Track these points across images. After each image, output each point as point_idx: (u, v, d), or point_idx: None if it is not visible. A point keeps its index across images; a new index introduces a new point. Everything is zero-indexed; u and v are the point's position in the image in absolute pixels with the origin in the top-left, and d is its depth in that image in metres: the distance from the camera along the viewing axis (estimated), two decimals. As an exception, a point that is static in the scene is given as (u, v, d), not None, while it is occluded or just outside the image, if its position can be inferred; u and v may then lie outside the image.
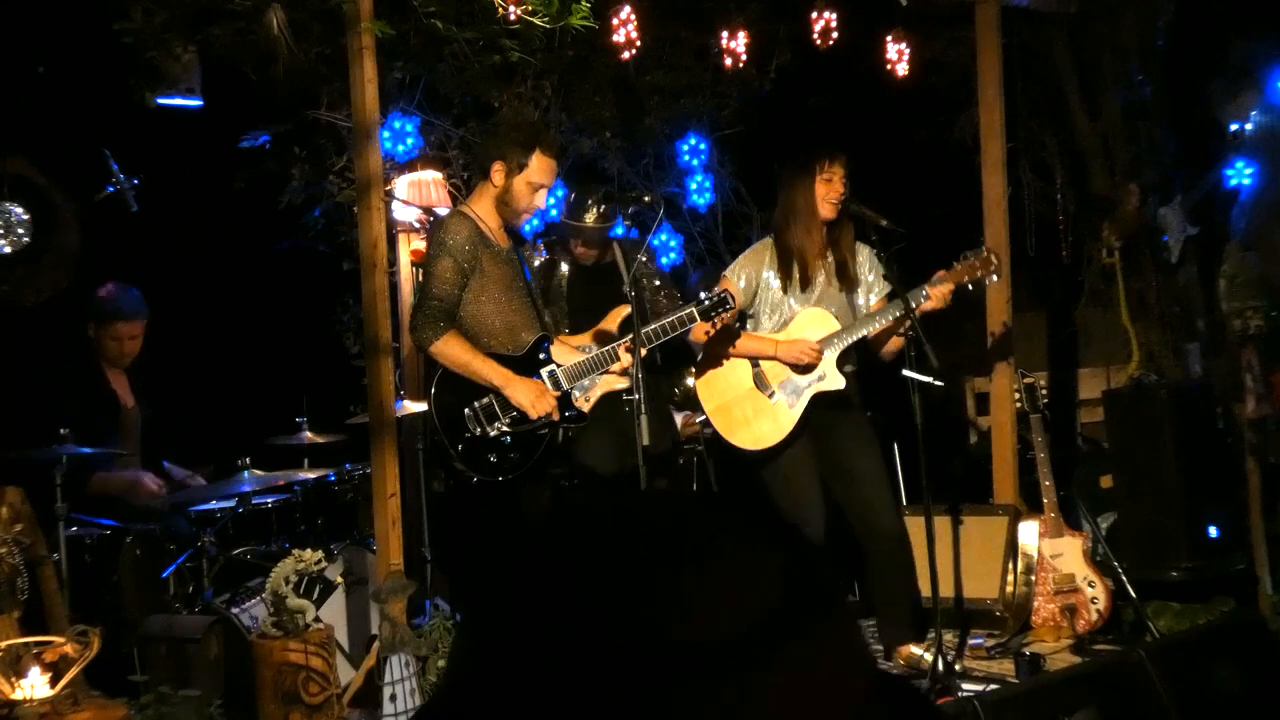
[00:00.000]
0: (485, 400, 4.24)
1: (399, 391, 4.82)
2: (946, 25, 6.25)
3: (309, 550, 4.07)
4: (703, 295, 4.43)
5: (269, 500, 5.16)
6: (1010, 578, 5.25)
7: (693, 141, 6.69)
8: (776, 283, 4.77)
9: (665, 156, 6.80)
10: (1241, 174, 6.25)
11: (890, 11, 5.63)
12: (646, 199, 4.69)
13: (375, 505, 4.41)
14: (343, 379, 5.84)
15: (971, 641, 5.09)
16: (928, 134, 6.68)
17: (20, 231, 5.19)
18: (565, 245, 5.28)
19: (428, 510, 5.12)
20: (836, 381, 4.68)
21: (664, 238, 6.47)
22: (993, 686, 4.34)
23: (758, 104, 6.72)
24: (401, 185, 5.48)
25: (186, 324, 5.89)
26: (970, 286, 4.75)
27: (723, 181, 6.97)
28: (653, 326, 4.35)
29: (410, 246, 5.52)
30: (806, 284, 4.76)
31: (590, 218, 5.10)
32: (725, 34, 5.85)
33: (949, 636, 4.81)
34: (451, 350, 4.22)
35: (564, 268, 5.25)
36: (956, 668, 4.52)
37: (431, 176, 5.58)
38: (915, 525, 4.72)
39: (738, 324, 4.84)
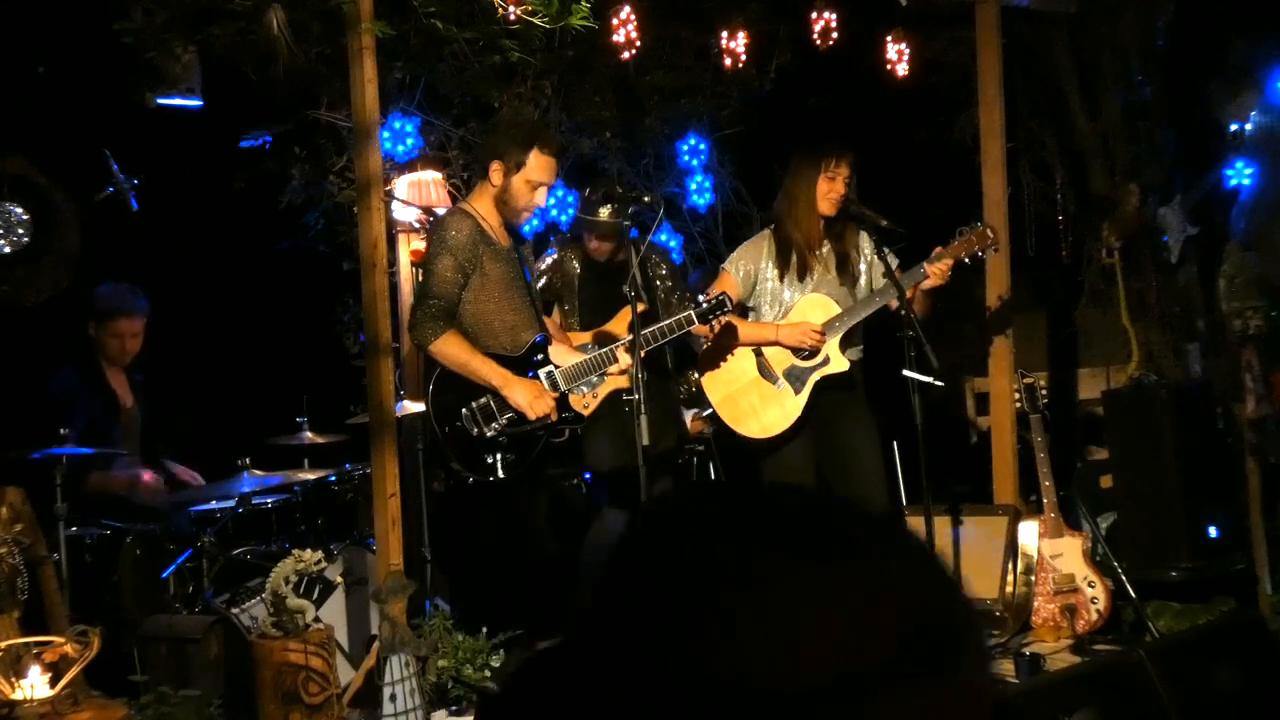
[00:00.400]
0: (483, 400, 4.24)
1: (399, 391, 4.82)
2: (946, 25, 6.25)
3: (309, 550, 4.07)
4: (700, 298, 4.43)
5: (269, 500, 5.16)
6: (1010, 578, 5.25)
7: (693, 141, 6.69)
8: (774, 273, 4.79)
9: (665, 156, 6.80)
10: (1241, 174, 6.25)
11: (890, 11, 5.63)
12: (646, 199, 4.69)
13: (375, 505, 4.41)
14: (343, 379, 5.84)
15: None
16: (928, 134, 6.67)
17: (20, 231, 5.19)
18: (579, 241, 5.28)
19: (428, 510, 5.12)
20: (840, 364, 4.69)
21: (664, 238, 6.46)
22: (993, 686, 4.33)
23: (758, 104, 6.72)
24: (401, 185, 5.48)
25: (187, 324, 5.89)
26: (969, 261, 4.77)
27: (723, 181, 6.96)
28: (651, 329, 4.35)
29: (410, 246, 5.51)
30: (804, 274, 4.77)
31: (605, 212, 5.11)
32: (725, 34, 5.85)
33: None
34: (450, 349, 4.22)
35: (575, 264, 5.25)
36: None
37: (431, 176, 5.58)
38: (915, 525, 4.72)
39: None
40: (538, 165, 4.33)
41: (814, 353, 4.69)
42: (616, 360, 4.34)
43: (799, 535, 0.69)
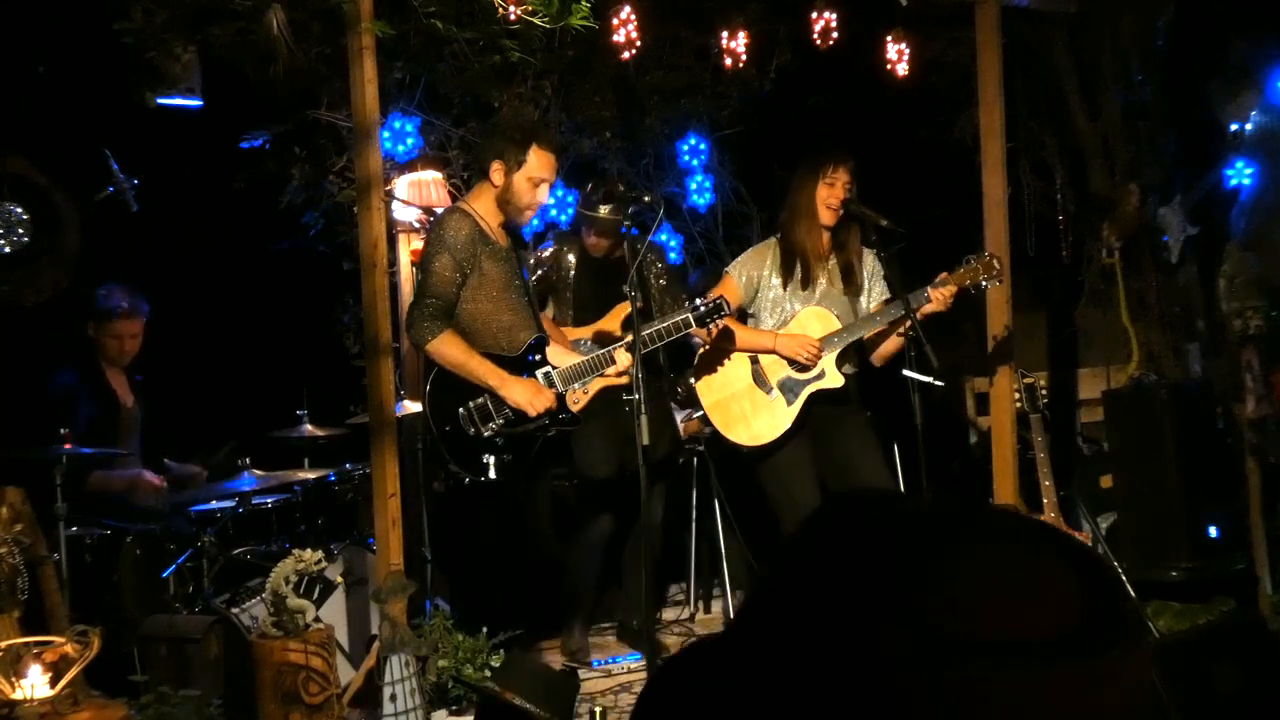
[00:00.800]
0: (480, 400, 4.24)
1: (399, 391, 4.82)
2: (946, 25, 6.25)
3: (309, 550, 4.07)
4: (698, 302, 4.43)
5: (269, 500, 5.17)
6: (1010, 578, 5.24)
7: (693, 141, 6.69)
8: (777, 281, 4.79)
9: (665, 156, 6.80)
10: (1241, 174, 6.25)
11: (890, 11, 5.63)
12: (646, 199, 4.69)
13: (375, 505, 4.41)
14: (343, 379, 5.84)
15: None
16: (928, 134, 6.67)
17: (20, 231, 5.19)
18: (577, 236, 5.29)
19: (428, 510, 5.12)
20: (835, 380, 4.69)
21: (664, 238, 6.46)
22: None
23: (758, 104, 6.72)
24: (401, 185, 5.48)
25: (187, 324, 5.89)
26: (973, 290, 4.78)
27: (723, 181, 6.96)
28: (648, 331, 4.35)
29: (410, 246, 5.52)
30: (808, 284, 4.76)
31: (605, 209, 5.11)
32: (725, 34, 5.85)
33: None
34: (447, 349, 4.22)
35: (571, 259, 5.25)
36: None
37: (431, 176, 5.58)
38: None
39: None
40: (538, 162, 4.34)
41: (810, 365, 4.69)
42: (615, 361, 4.34)
43: (990, 525, 0.75)
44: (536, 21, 4.63)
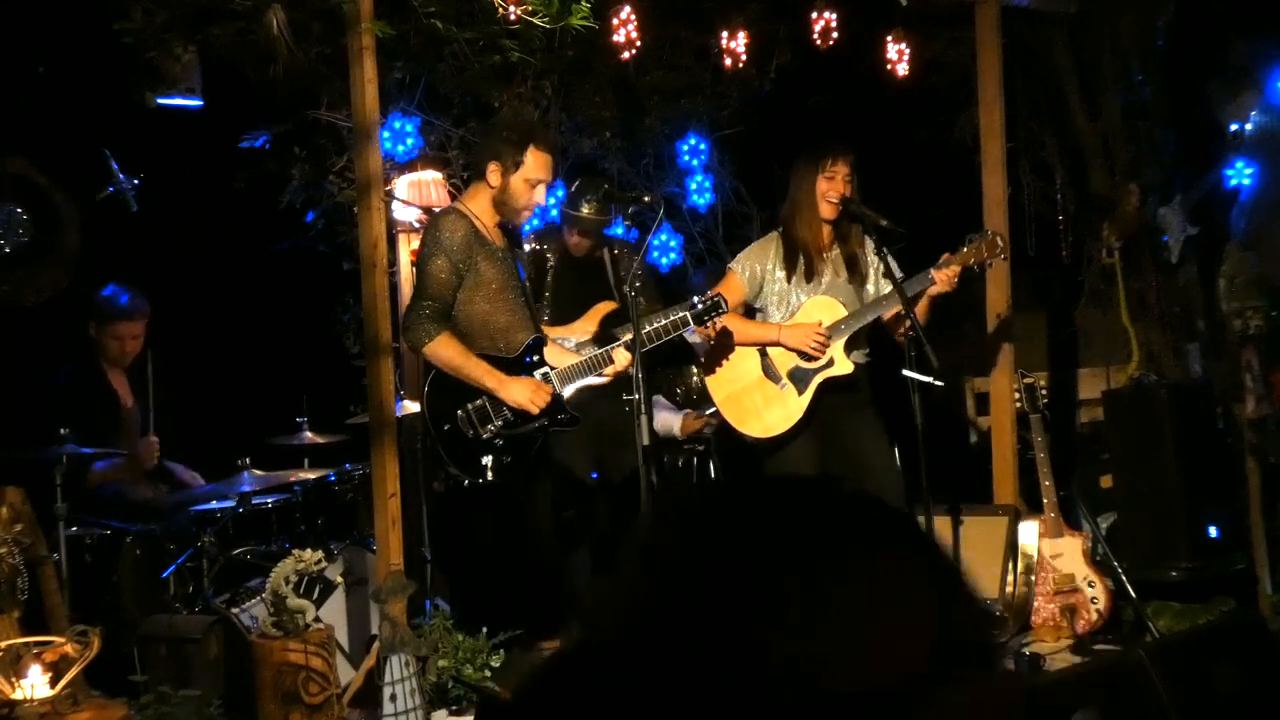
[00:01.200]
0: (478, 402, 4.23)
1: (399, 391, 4.82)
2: (946, 25, 6.25)
3: (309, 550, 4.07)
4: (695, 300, 4.43)
5: (269, 500, 5.16)
6: (1010, 578, 5.25)
7: (693, 141, 6.68)
8: (782, 275, 4.79)
9: (665, 156, 6.80)
10: (1241, 174, 6.25)
11: (890, 11, 5.63)
12: (646, 199, 4.69)
13: (375, 505, 4.41)
14: (343, 379, 5.84)
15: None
16: (928, 134, 6.67)
17: (20, 231, 5.19)
18: (557, 234, 5.29)
19: (428, 510, 5.12)
20: (845, 367, 4.69)
21: (664, 238, 6.47)
22: (993, 686, 4.33)
23: (758, 104, 6.72)
24: (401, 185, 5.48)
25: (187, 324, 5.88)
26: (976, 269, 4.78)
27: (723, 181, 6.96)
28: (647, 330, 4.34)
29: (410, 246, 5.51)
30: (812, 276, 4.77)
31: (587, 209, 5.12)
32: (725, 34, 5.85)
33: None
34: (445, 352, 4.20)
35: (551, 257, 5.25)
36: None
37: (431, 176, 5.58)
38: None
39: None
40: (535, 163, 4.32)
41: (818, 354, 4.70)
42: (612, 361, 4.33)
43: (846, 532, 0.70)
44: (536, 21, 4.63)
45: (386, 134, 5.30)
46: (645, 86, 6.50)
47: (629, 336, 4.27)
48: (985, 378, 5.94)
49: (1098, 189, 6.75)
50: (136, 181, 5.38)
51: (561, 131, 6.11)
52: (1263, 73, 6.16)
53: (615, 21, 5.26)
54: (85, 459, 4.86)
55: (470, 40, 5.21)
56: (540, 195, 4.42)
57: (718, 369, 4.85)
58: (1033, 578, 5.04)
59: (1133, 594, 4.86)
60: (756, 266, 4.82)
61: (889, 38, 5.91)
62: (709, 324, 4.44)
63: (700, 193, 6.73)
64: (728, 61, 5.92)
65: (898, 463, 4.75)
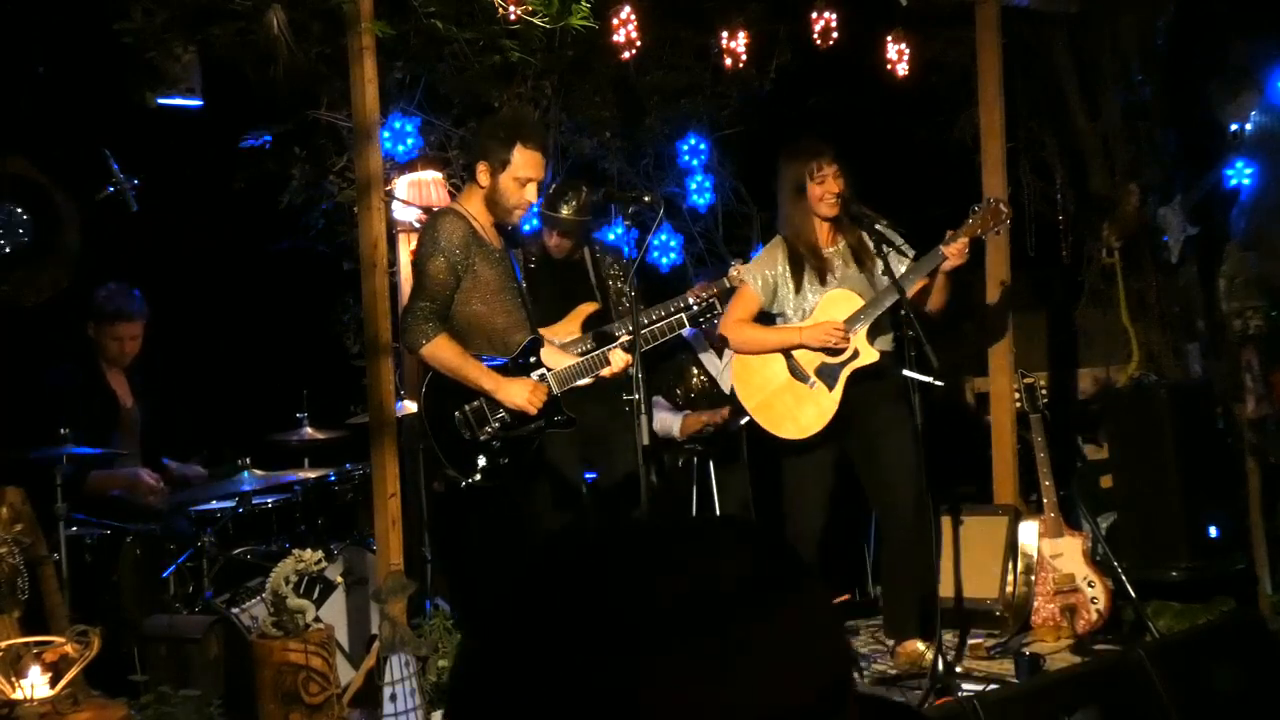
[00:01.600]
0: (476, 403, 4.22)
1: (399, 391, 4.81)
2: (946, 25, 6.25)
3: (309, 550, 4.07)
4: (690, 300, 4.44)
5: (269, 500, 5.16)
6: (1010, 578, 5.25)
7: (693, 141, 6.68)
8: (792, 278, 4.79)
9: (665, 156, 6.79)
10: (1241, 174, 6.25)
11: (890, 11, 5.63)
12: (646, 199, 4.69)
13: (375, 505, 4.41)
14: (343, 379, 5.84)
15: (971, 641, 5.08)
16: (928, 134, 6.67)
17: (20, 231, 5.19)
18: (538, 236, 5.30)
19: (428, 510, 5.12)
20: (870, 356, 4.69)
21: (664, 238, 6.46)
22: (993, 686, 4.34)
23: (758, 104, 6.72)
24: (401, 185, 5.48)
25: (187, 324, 5.89)
26: (984, 237, 4.79)
27: (723, 181, 6.96)
28: (644, 330, 4.34)
29: (410, 246, 5.51)
30: (823, 275, 4.77)
31: (566, 210, 5.11)
32: (725, 34, 5.85)
33: (949, 636, 4.81)
34: (442, 353, 4.18)
35: (530, 260, 5.25)
36: (957, 668, 4.52)
37: (431, 176, 5.58)
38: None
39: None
40: (523, 161, 4.26)
41: (842, 348, 4.69)
42: (609, 363, 4.32)
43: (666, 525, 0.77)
44: (536, 21, 4.63)
45: (386, 134, 5.30)
46: (645, 86, 6.50)
47: (626, 337, 4.26)
48: (985, 378, 5.94)
49: (1098, 189, 6.75)
50: (136, 181, 5.38)
51: (561, 131, 6.11)
52: (1263, 73, 6.16)
53: (615, 21, 5.27)
54: (85, 459, 4.85)
55: (470, 40, 5.21)
56: (532, 193, 4.34)
57: (746, 377, 4.84)
58: (1033, 578, 5.04)
59: (1133, 594, 4.86)
60: (767, 273, 4.81)
61: (889, 38, 5.91)
62: (703, 324, 4.44)
63: (700, 193, 6.72)
64: (728, 61, 5.93)
65: (916, 456, 4.67)
